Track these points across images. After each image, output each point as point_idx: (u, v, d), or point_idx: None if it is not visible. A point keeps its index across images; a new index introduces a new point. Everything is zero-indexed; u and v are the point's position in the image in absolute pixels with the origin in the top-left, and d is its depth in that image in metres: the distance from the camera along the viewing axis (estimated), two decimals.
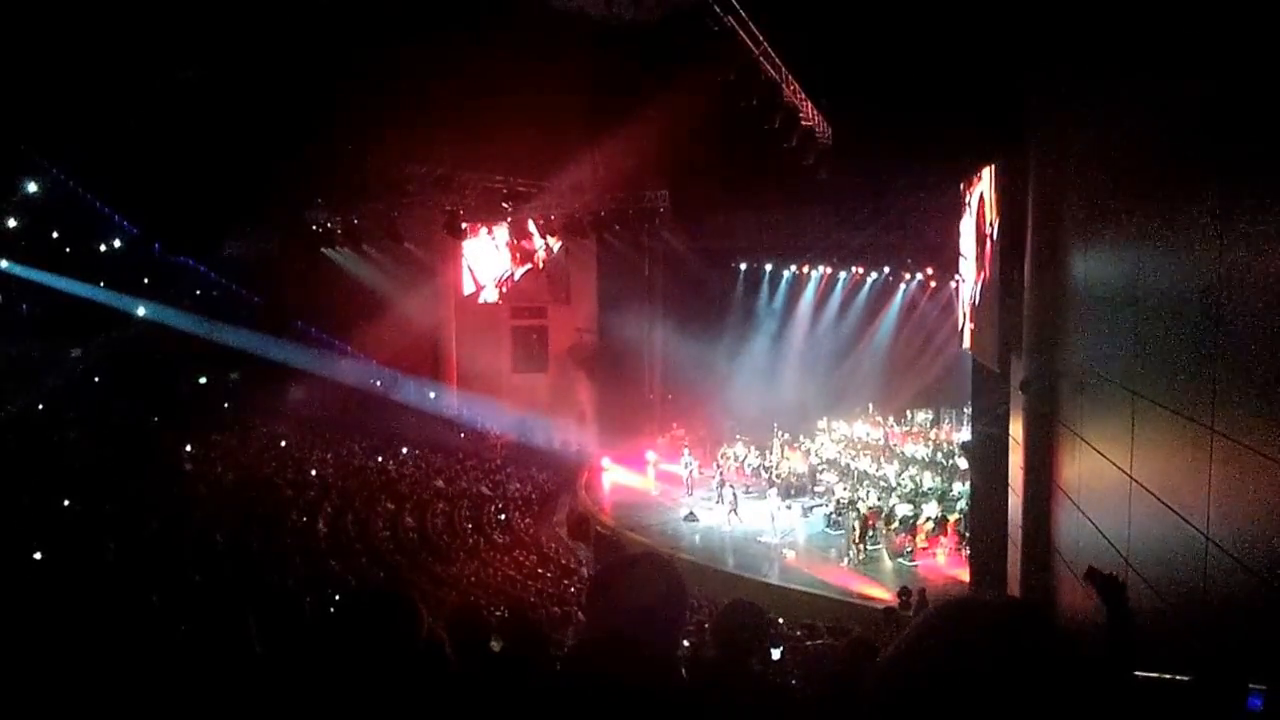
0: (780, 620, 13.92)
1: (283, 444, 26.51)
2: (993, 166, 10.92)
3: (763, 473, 24.80)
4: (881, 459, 24.35)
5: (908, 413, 27.39)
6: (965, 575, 15.84)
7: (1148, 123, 6.42)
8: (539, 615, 12.63)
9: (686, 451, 25.46)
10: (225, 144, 21.54)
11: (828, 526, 20.62)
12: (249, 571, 14.25)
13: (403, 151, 24.06)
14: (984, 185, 11.51)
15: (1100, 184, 7.71)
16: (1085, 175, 8.22)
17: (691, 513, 22.23)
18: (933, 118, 12.69)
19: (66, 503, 17.32)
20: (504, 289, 30.82)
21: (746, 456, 26.16)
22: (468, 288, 31.14)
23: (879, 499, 20.44)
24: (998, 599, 1.27)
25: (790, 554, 19.53)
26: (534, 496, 25.20)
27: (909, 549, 18.56)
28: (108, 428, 22.91)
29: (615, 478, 26.40)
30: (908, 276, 25.70)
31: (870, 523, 19.00)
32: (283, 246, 28.09)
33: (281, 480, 22.29)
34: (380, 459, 26.54)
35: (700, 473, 24.59)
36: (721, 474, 24.02)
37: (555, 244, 29.38)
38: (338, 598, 11.65)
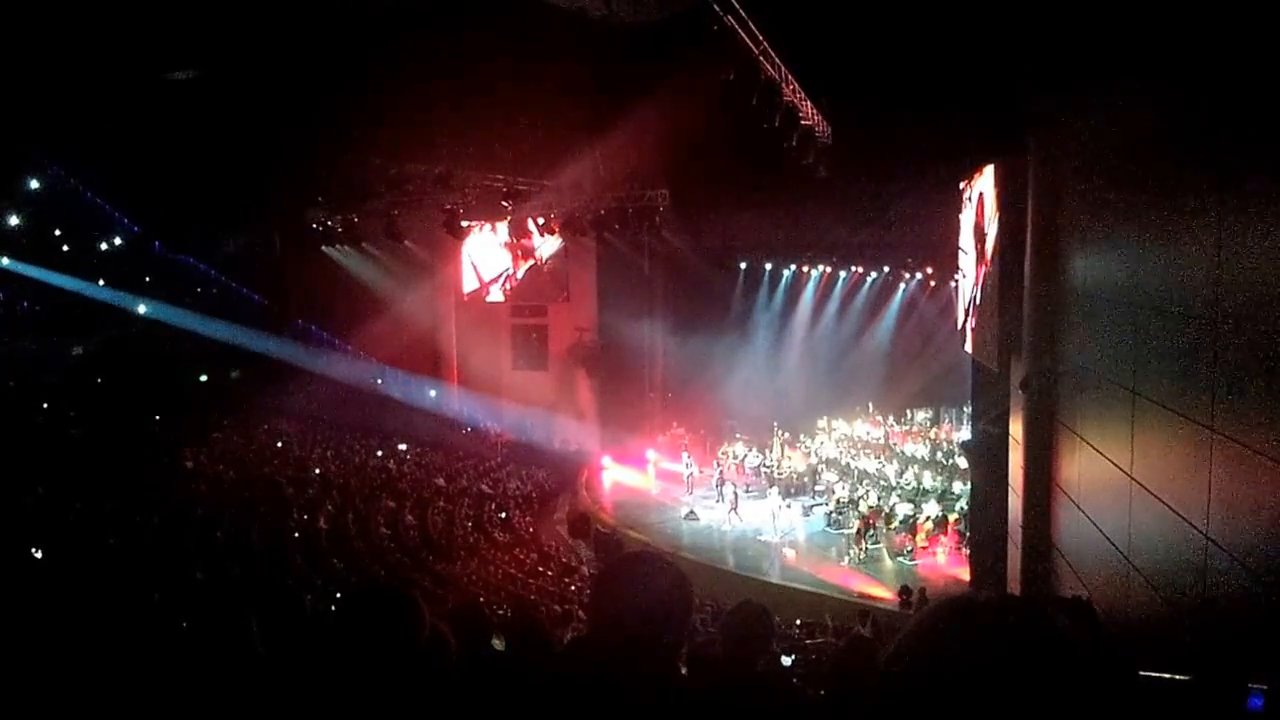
0: (779, 620, 13.93)
1: (283, 442, 26.51)
2: (993, 165, 10.93)
3: (763, 471, 24.83)
4: (882, 458, 24.37)
5: (908, 412, 27.42)
6: (965, 574, 15.86)
7: (1147, 123, 6.43)
8: (540, 613, 12.63)
9: (685, 453, 25.46)
10: (225, 142, 21.54)
11: (828, 525, 20.63)
12: (250, 569, 14.26)
13: (403, 150, 24.05)
14: (984, 181, 11.52)
15: (1100, 184, 7.71)
16: (1085, 175, 8.23)
17: (692, 511, 22.25)
18: (933, 117, 12.68)
19: (67, 500, 17.32)
20: (507, 287, 30.83)
21: (746, 455, 26.18)
22: (469, 285, 31.15)
23: (879, 498, 20.46)
24: (996, 597, 1.28)
25: (790, 553, 19.54)
26: (534, 495, 25.20)
27: (909, 548, 18.57)
28: (108, 425, 22.91)
29: (615, 476, 26.42)
30: (907, 275, 25.71)
31: (870, 522, 19.01)
32: (283, 244, 28.09)
33: (282, 478, 22.29)
34: (381, 457, 26.56)
35: (700, 472, 24.61)
36: (722, 473, 24.03)
37: (555, 242, 29.38)
38: (339, 596, 11.65)
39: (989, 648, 1.14)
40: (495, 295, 31.11)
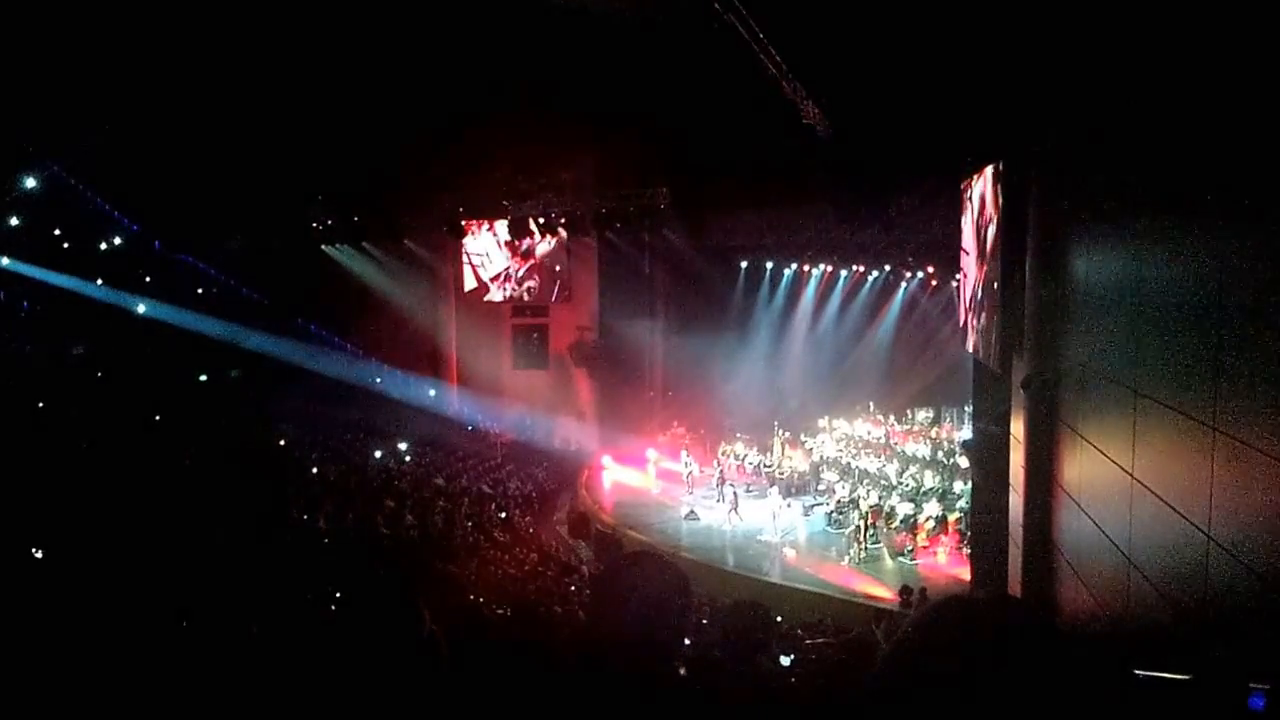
0: (780, 619, 13.92)
1: (283, 441, 26.51)
2: (993, 165, 10.91)
3: (763, 471, 24.82)
4: (883, 457, 24.36)
5: (909, 411, 27.41)
6: (966, 574, 15.84)
7: (1148, 121, 6.42)
8: (540, 613, 12.62)
9: (684, 453, 25.47)
10: (226, 141, 21.56)
11: (828, 525, 20.62)
12: (249, 569, 14.24)
13: (403, 149, 24.06)
14: (985, 180, 11.50)
15: (1101, 182, 7.70)
16: (1086, 173, 8.22)
17: (692, 511, 22.24)
18: (934, 117, 12.69)
19: (67, 500, 17.32)
20: (508, 287, 30.84)
21: (746, 455, 26.17)
22: (469, 284, 31.16)
23: (880, 497, 20.44)
24: (989, 597, 1.27)
25: (791, 553, 19.53)
26: (534, 495, 25.21)
27: (910, 548, 18.57)
28: (108, 425, 22.91)
29: (616, 476, 26.41)
30: (908, 275, 25.69)
31: (871, 521, 19.00)
32: (283, 244, 28.10)
33: (282, 477, 22.29)
34: (381, 457, 26.56)
35: (701, 471, 24.61)
36: (722, 472, 24.03)
37: (555, 242, 29.41)
38: (339, 595, 11.64)
39: (985, 647, 1.14)
40: (495, 295, 31.11)
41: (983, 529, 13.31)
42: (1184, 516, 5.62)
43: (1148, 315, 6.46)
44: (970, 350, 13.38)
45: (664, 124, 20.87)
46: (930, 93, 12.27)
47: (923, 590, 14.62)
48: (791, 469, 24.55)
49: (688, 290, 30.19)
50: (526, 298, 31.15)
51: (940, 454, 23.81)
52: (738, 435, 27.72)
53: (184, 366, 27.66)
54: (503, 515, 22.63)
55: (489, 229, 29.79)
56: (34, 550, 13.03)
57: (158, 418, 25.16)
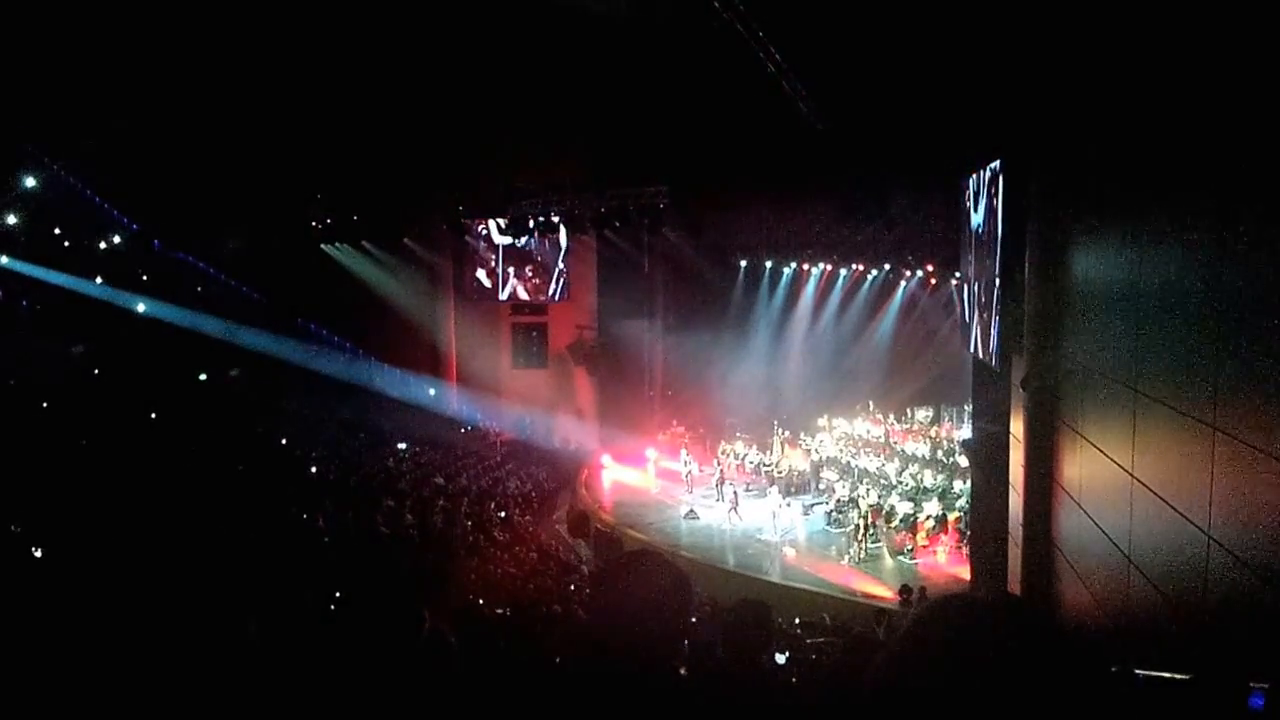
0: (782, 619, 13.91)
1: (282, 440, 26.50)
2: (994, 164, 10.91)
3: (763, 470, 24.82)
4: (882, 456, 24.37)
5: (908, 410, 27.43)
6: (966, 573, 15.85)
7: (1149, 121, 6.42)
8: (540, 613, 12.62)
9: (684, 452, 25.46)
10: (225, 140, 21.55)
11: (828, 524, 20.62)
12: (249, 568, 14.23)
13: (403, 147, 24.05)
14: (986, 179, 11.50)
15: (1102, 181, 7.70)
16: (1086, 173, 8.21)
17: (692, 510, 22.24)
18: (934, 115, 12.68)
19: (67, 500, 17.30)
20: (506, 287, 30.85)
21: (746, 454, 26.17)
22: (468, 283, 31.16)
23: (880, 497, 20.44)
24: (989, 595, 1.27)
25: (791, 552, 19.53)
26: (534, 494, 25.20)
27: (910, 547, 18.57)
28: (107, 425, 22.90)
29: (615, 475, 26.40)
30: (908, 274, 25.69)
31: (871, 520, 19.00)
32: (283, 243, 28.10)
33: (281, 477, 22.27)
34: (380, 456, 26.54)
35: (700, 470, 24.60)
36: (722, 471, 24.03)
37: (555, 241, 29.40)
38: (338, 595, 11.64)
39: (985, 646, 1.14)
40: (494, 294, 31.11)
41: (983, 528, 13.32)
42: (1184, 516, 5.62)
43: (1148, 315, 6.46)
44: (970, 350, 13.37)
45: (664, 123, 20.85)
46: (931, 91, 12.26)
47: (922, 589, 14.62)
48: (791, 468, 24.54)
49: (687, 289, 30.18)
50: (526, 297, 31.14)
51: (940, 453, 23.82)
52: (737, 434, 27.72)
53: (184, 366, 27.63)
54: (502, 514, 22.61)
55: (488, 228, 29.78)
56: (34, 550, 13.02)
57: (157, 417, 25.16)
